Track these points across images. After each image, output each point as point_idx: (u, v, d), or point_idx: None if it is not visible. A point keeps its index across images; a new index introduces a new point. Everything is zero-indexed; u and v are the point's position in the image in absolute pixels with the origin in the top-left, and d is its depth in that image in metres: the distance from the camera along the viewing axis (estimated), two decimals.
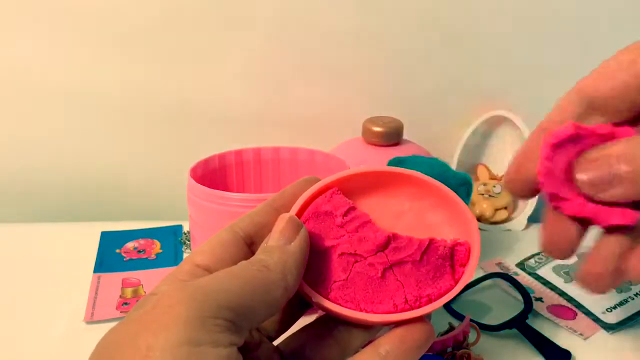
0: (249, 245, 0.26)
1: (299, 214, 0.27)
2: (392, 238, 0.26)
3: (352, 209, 0.27)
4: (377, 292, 0.25)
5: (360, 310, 0.25)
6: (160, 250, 0.60)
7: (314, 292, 0.26)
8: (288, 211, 0.27)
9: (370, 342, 0.25)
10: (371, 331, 0.27)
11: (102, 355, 0.20)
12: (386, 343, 0.24)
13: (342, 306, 0.25)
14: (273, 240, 0.25)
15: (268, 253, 0.24)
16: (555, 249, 0.27)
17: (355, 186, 0.28)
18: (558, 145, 0.25)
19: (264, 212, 0.27)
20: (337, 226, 0.26)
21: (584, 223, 0.26)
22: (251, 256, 0.25)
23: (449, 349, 0.42)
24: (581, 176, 0.24)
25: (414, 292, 0.25)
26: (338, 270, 0.26)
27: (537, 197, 0.63)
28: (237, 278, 0.22)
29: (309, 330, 0.28)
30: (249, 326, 0.22)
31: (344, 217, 0.26)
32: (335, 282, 0.26)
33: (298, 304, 0.28)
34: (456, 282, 0.26)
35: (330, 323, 0.27)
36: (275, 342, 0.28)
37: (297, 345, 0.27)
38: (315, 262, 0.26)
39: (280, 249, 0.24)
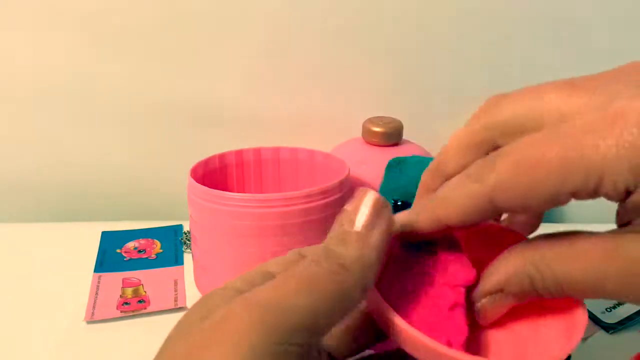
0: None
1: None
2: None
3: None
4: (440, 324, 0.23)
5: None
6: (161, 250, 0.60)
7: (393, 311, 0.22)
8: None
9: None
10: None
11: None
12: None
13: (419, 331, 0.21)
14: (349, 222, 0.21)
15: (345, 243, 0.20)
16: None
17: None
18: None
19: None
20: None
21: None
22: None
23: None
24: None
25: None
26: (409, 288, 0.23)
27: None
28: (308, 288, 0.19)
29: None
30: (321, 339, 0.20)
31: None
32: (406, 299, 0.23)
33: (373, 334, 0.25)
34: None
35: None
36: None
37: None
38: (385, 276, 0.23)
39: (360, 239, 0.20)
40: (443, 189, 0.22)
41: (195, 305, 0.21)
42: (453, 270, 0.24)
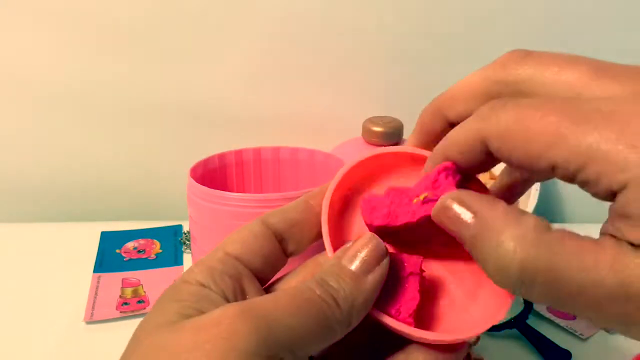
0: (280, 241, 0.25)
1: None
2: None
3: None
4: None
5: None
6: (160, 250, 0.60)
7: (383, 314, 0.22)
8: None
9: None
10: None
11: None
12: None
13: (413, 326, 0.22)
14: (348, 260, 0.22)
15: (339, 280, 0.21)
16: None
17: (364, 175, 0.26)
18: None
19: (298, 210, 0.25)
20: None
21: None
22: (282, 252, 0.24)
23: None
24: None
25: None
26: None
27: (537, 197, 0.64)
28: (302, 311, 0.20)
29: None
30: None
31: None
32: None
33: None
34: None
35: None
36: None
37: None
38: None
39: (354, 280, 0.21)
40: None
41: (166, 299, 0.21)
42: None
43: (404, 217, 0.23)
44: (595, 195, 0.18)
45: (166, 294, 0.22)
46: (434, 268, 0.25)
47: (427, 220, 0.22)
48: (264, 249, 0.24)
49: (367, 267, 0.21)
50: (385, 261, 0.22)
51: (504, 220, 0.19)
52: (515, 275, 0.18)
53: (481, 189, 0.25)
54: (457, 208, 0.20)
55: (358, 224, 0.26)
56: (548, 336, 0.45)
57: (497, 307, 0.23)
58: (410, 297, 0.23)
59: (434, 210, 0.21)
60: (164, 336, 0.19)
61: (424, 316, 0.24)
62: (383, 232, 0.23)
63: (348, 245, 0.22)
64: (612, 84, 0.19)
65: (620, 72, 0.19)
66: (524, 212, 0.19)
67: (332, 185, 0.25)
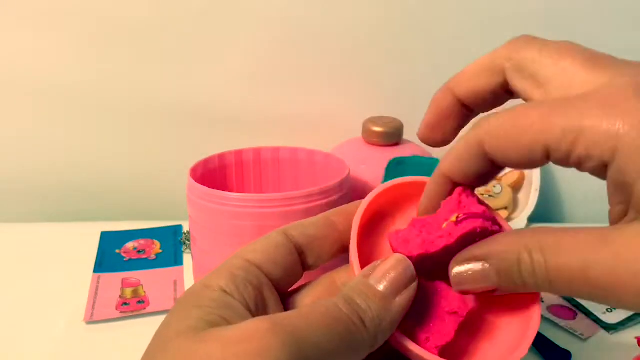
0: (299, 254, 0.25)
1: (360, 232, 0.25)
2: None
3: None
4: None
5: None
6: (160, 251, 0.60)
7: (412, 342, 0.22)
8: (347, 229, 0.25)
9: None
10: None
11: None
12: None
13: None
14: (376, 280, 0.22)
15: (367, 300, 0.21)
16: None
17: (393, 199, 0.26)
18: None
19: (319, 225, 0.25)
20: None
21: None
22: (300, 265, 0.24)
23: None
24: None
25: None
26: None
27: (537, 197, 0.64)
28: (330, 330, 0.20)
29: None
30: None
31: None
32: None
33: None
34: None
35: None
36: None
37: None
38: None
39: (382, 301, 0.21)
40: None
41: (187, 304, 0.21)
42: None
43: (440, 241, 0.23)
44: (593, 172, 0.19)
45: (187, 297, 0.22)
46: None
47: (463, 241, 0.22)
48: (285, 259, 0.24)
49: (396, 288, 0.21)
50: (414, 285, 0.22)
51: (508, 245, 0.21)
52: (541, 282, 0.20)
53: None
54: (467, 266, 0.22)
55: (380, 247, 0.26)
56: (548, 336, 0.45)
57: (515, 345, 0.23)
58: (445, 332, 0.23)
59: (454, 287, 0.22)
60: (190, 345, 0.19)
61: (446, 351, 0.24)
62: (418, 265, 0.23)
63: (376, 263, 0.22)
64: (599, 71, 0.20)
65: (609, 63, 0.21)
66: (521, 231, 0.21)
67: (364, 204, 0.25)
